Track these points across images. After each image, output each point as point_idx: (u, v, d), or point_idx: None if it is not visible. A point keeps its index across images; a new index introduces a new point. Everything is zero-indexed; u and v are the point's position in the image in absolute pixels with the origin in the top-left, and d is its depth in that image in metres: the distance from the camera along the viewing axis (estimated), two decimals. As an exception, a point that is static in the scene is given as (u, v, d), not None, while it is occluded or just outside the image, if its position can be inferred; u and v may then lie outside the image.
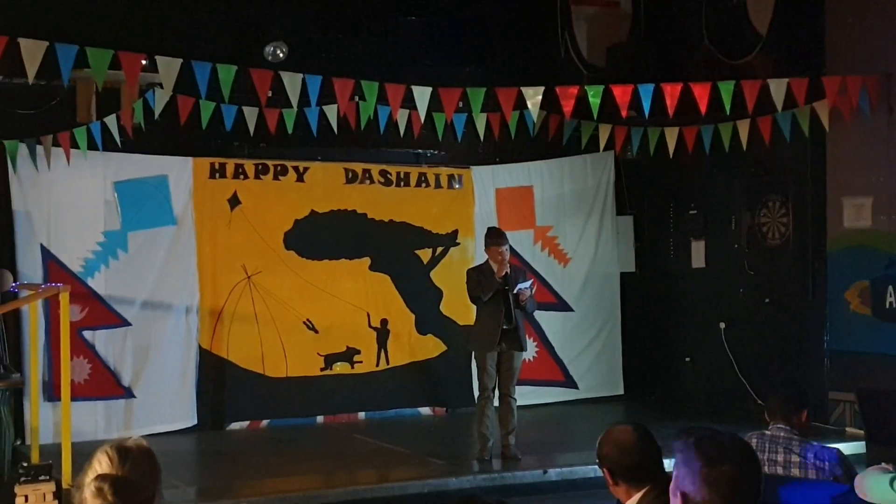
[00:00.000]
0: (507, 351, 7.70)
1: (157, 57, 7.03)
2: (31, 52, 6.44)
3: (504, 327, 7.64)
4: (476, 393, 9.46)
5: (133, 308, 8.96)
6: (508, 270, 7.68)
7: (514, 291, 7.63)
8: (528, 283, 7.79)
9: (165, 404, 9.05)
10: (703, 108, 8.41)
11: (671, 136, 9.35)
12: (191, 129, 8.45)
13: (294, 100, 7.84)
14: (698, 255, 10.46)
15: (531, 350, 10.04)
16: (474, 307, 8.03)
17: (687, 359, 10.55)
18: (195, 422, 9.19)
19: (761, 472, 2.41)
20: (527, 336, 8.11)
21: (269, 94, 8.10)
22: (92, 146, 8.37)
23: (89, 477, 2.61)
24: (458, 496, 1.91)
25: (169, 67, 7.04)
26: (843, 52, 8.71)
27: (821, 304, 9.00)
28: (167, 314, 9.11)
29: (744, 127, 8.88)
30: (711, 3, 9.81)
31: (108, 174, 8.89)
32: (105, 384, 8.79)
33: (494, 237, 7.87)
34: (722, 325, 10.00)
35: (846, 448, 4.81)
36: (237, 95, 8.06)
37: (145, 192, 9.02)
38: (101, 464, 2.64)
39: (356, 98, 8.41)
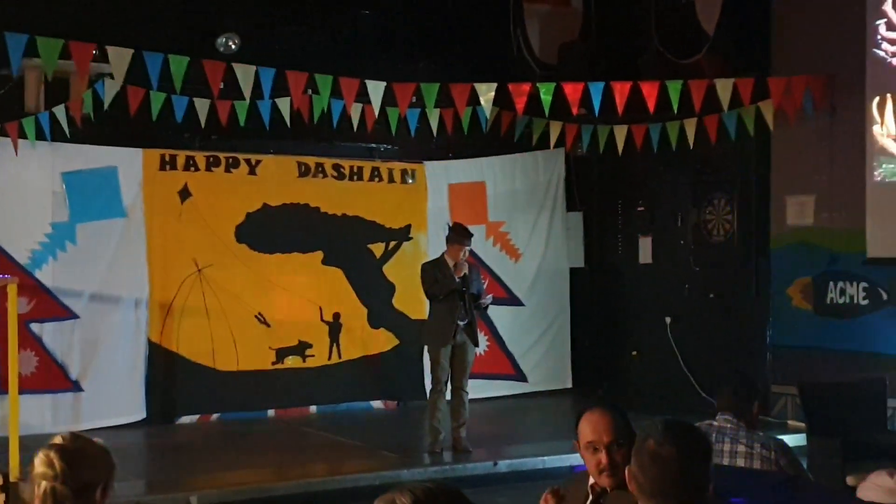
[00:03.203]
0: (461, 345, 7.77)
1: (108, 47, 6.96)
2: (-21, 41, 6.35)
3: (459, 323, 7.71)
4: (427, 386, 9.56)
5: (81, 301, 8.87)
6: (467, 271, 7.75)
7: (482, 302, 7.79)
8: (490, 298, 7.99)
9: (114, 398, 8.97)
10: (651, 106, 8.56)
11: (620, 133, 9.49)
12: (141, 120, 8.38)
13: (247, 92, 7.83)
14: (645, 251, 10.63)
15: (482, 344, 10.12)
16: (427, 301, 8.09)
17: (634, 353, 10.71)
18: (144, 415, 9.13)
19: (710, 455, 2.53)
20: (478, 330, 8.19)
21: (222, 86, 8.06)
22: (40, 136, 8.27)
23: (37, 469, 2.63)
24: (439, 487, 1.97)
25: (120, 58, 6.98)
26: (789, 53, 8.91)
27: (764, 300, 9.21)
28: (116, 307, 9.03)
29: (691, 126, 9.04)
30: (661, 4, 9.95)
31: (56, 165, 8.78)
32: (52, 377, 8.69)
33: (460, 235, 7.90)
34: (668, 320, 10.18)
35: (788, 440, 4.94)
36: (188, 87, 8.00)
37: (94, 184, 8.92)
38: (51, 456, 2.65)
39: (309, 91, 8.41)
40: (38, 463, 2.61)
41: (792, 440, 6.43)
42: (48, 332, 8.73)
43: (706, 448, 2.58)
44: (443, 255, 7.96)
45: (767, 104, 8.64)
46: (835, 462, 5.84)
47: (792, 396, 8.57)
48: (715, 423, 4.43)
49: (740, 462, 4.21)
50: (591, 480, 3.34)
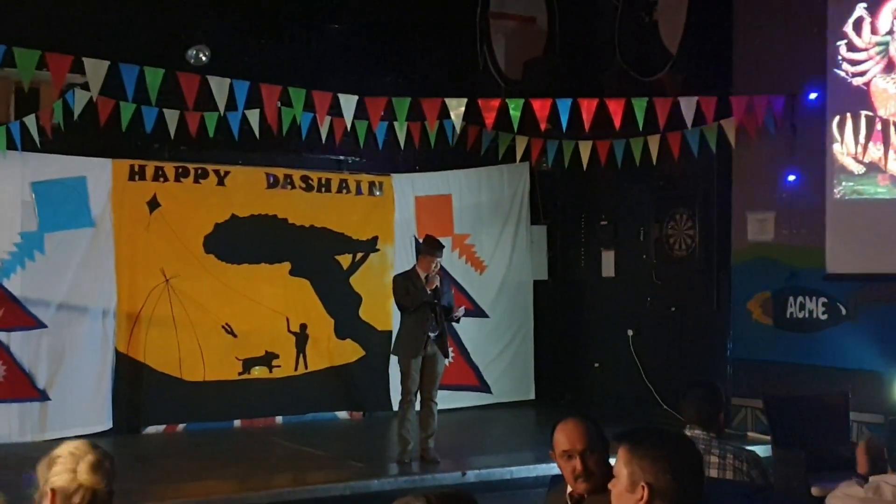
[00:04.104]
0: (431, 357, 7.86)
1: (85, 59, 6.97)
2: (-44, 50, 6.34)
3: (430, 334, 7.81)
4: (393, 397, 9.64)
5: (49, 310, 8.82)
6: (438, 284, 7.85)
7: (455, 315, 7.94)
8: (462, 311, 8.14)
9: (81, 407, 8.93)
10: (617, 123, 8.73)
11: (585, 149, 9.63)
12: (110, 130, 8.38)
13: (221, 104, 7.86)
14: (608, 264, 10.78)
15: (447, 355, 10.23)
16: (396, 313, 8.17)
17: (596, 365, 10.85)
18: (111, 425, 9.10)
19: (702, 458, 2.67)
20: (447, 342, 8.28)
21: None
22: (10, 146, 8.24)
23: (62, 467, 2.66)
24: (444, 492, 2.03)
25: (96, 69, 6.99)
26: (750, 73, 9.11)
27: (724, 314, 9.37)
28: (84, 317, 8.99)
29: (654, 142, 9.19)
30: (624, 22, 10.10)
31: (25, 174, 8.74)
32: (19, 386, 8.63)
33: (431, 247, 7.98)
34: (630, 333, 10.33)
35: (752, 451, 5.08)
36: (158, 98, 8.02)
37: (63, 194, 8.89)
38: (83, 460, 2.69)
39: (279, 104, 8.46)
40: (87, 470, 2.63)
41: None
42: (15, 340, 8.68)
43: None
44: (414, 267, 8.05)
45: (730, 122, 8.85)
46: (799, 473, 6.00)
47: (752, 409, 8.77)
48: (686, 434, 4.54)
49: (713, 473, 4.30)
50: (569, 489, 3.47)
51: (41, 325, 8.78)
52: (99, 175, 9.12)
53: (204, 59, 9.19)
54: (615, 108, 8.72)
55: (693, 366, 9.54)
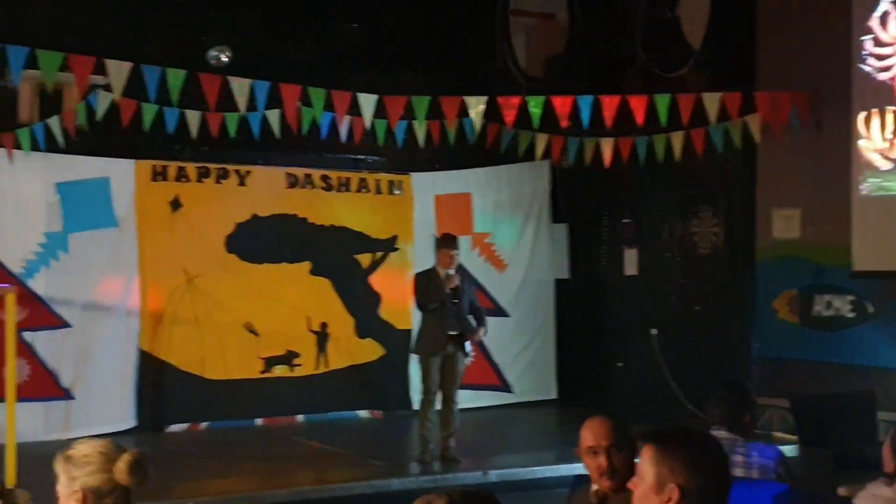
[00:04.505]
0: (451, 355, 7.84)
1: (107, 61, 7.00)
2: (-20, 53, 6.39)
3: (450, 333, 7.79)
4: (413, 396, 9.63)
5: (73, 309, 8.89)
6: (458, 282, 7.83)
7: (475, 337, 7.97)
8: (484, 332, 8.13)
9: (105, 406, 9.00)
10: (639, 120, 8.66)
11: (607, 146, 9.57)
12: (133, 131, 8.42)
13: (242, 105, 7.88)
14: (631, 263, 10.71)
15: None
16: (416, 312, 8.16)
17: (619, 364, 10.79)
18: (135, 423, 9.17)
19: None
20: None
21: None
22: (35, 147, 8.30)
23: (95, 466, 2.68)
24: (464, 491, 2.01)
25: (119, 71, 7.02)
26: (774, 69, 9.03)
27: (749, 312, 9.30)
28: (108, 316, 9.06)
29: (677, 139, 9.12)
30: (646, 18, 10.06)
31: (50, 175, 8.82)
32: (44, 385, 8.70)
33: (447, 242, 8.02)
34: (653, 332, 10.25)
35: (778, 451, 5.02)
36: (181, 99, 8.05)
37: (87, 194, 8.96)
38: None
39: (299, 104, 8.47)
40: (127, 469, 2.66)
41: (780, 451, 6.55)
42: (40, 340, 8.74)
43: None
44: (435, 265, 8.04)
45: (754, 118, 8.77)
46: (826, 473, 5.94)
47: (777, 409, 8.67)
48: (712, 434, 4.49)
49: (738, 472, 4.27)
50: (594, 486, 3.46)
51: (65, 325, 8.86)
52: (122, 176, 9.18)
53: (225, 59, 9.20)
54: (637, 104, 8.66)
55: (718, 365, 9.46)
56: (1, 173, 8.49)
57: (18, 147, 8.27)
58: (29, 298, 8.60)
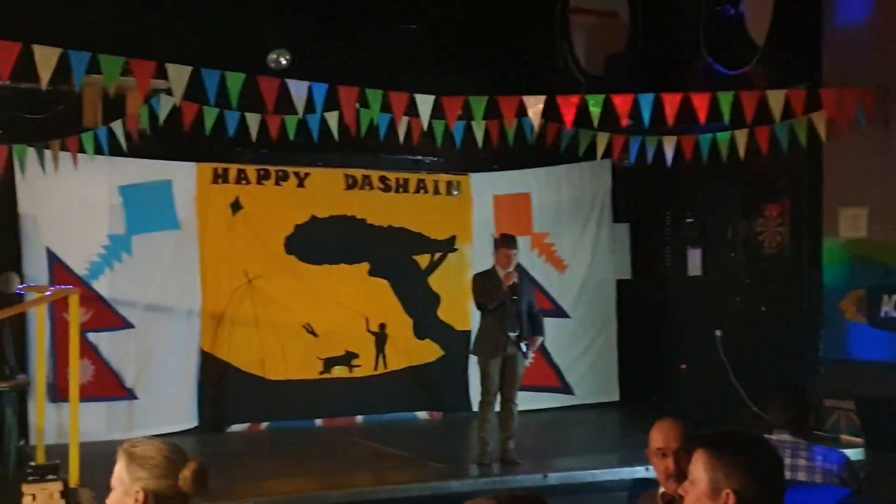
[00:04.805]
0: (511, 357, 7.79)
1: (168, 65, 7.09)
2: (45, 58, 6.49)
3: (510, 334, 7.74)
4: (472, 398, 9.60)
5: (136, 310, 9.05)
6: (516, 280, 7.78)
7: (528, 352, 7.86)
8: (540, 342, 8.09)
9: (167, 406, 9.13)
10: (702, 118, 8.51)
11: (669, 144, 9.42)
12: (194, 134, 8.50)
13: (300, 107, 7.91)
14: (694, 263, 10.57)
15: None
16: (475, 312, 8.12)
17: (682, 366, 10.64)
18: (196, 423, 9.28)
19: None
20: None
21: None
22: (98, 151, 8.43)
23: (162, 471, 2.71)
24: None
25: (179, 75, 7.10)
26: (840, 65, 8.82)
27: (816, 313, 9.10)
28: (170, 317, 9.20)
29: (741, 137, 8.96)
30: (709, 14, 9.91)
31: (113, 178, 8.99)
32: (108, 386, 8.87)
33: (505, 241, 8.01)
34: (718, 333, 10.10)
35: (845, 454, 4.89)
36: (240, 102, 8.11)
37: (150, 197, 9.12)
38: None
39: (357, 105, 8.48)
40: (192, 478, 2.70)
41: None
42: (104, 341, 8.92)
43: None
44: (494, 266, 7.99)
45: (820, 115, 8.56)
46: (893, 477, 5.77)
47: (845, 411, 8.47)
48: (773, 438, 4.40)
49: (801, 476, 4.19)
50: (661, 489, 3.43)
51: (129, 326, 9.01)
52: (184, 178, 9.32)
53: (284, 62, 9.27)
54: (700, 102, 8.50)
55: (783, 367, 9.28)
56: (66, 177, 8.66)
57: (83, 151, 8.41)
58: (93, 300, 8.78)
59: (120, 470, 2.74)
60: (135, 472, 2.71)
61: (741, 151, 9.02)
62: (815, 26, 9.03)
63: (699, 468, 2.53)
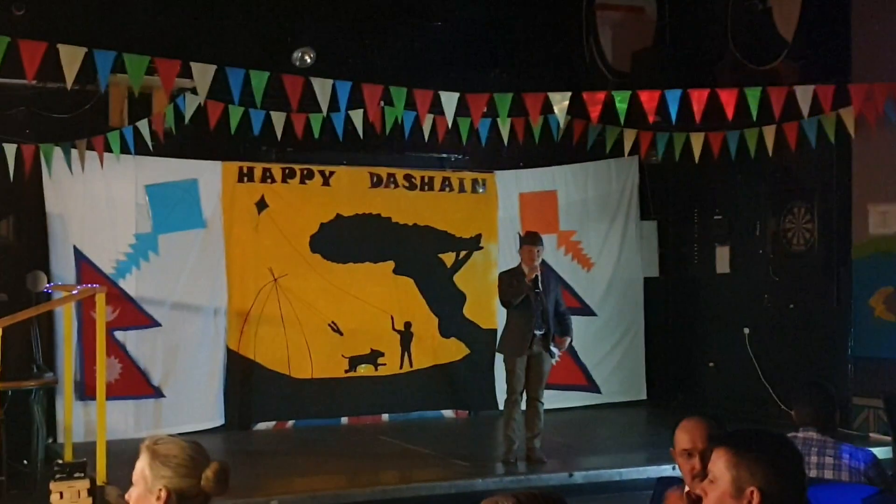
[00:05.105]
0: (537, 355, 7.76)
1: (192, 63, 7.12)
2: (70, 57, 6.54)
3: (536, 333, 7.70)
4: (498, 396, 9.57)
5: (163, 309, 9.09)
6: (539, 274, 7.74)
7: (554, 351, 7.85)
8: (566, 345, 8.04)
9: (194, 404, 9.17)
10: (730, 114, 8.42)
11: (697, 141, 9.35)
12: (220, 133, 8.54)
13: (324, 105, 7.92)
14: (723, 260, 10.48)
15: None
16: (500, 311, 8.09)
17: (711, 364, 10.57)
18: (223, 422, 9.31)
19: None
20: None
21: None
22: (124, 150, 8.49)
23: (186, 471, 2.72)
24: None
25: (204, 74, 7.13)
26: (869, 60, 8.72)
27: (845, 310, 9.01)
28: (196, 315, 9.23)
29: (769, 133, 8.89)
30: (737, 10, 9.84)
31: (139, 178, 9.03)
32: (135, 384, 8.91)
33: (530, 238, 7.97)
34: (746, 331, 10.03)
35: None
36: (265, 100, 8.14)
37: (176, 196, 9.15)
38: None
39: (382, 103, 8.48)
40: (215, 478, 2.75)
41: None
42: (131, 339, 8.96)
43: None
44: (519, 264, 7.96)
45: (848, 111, 8.46)
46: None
47: (874, 409, 8.38)
48: (800, 436, 4.36)
49: (828, 474, 4.15)
50: (686, 488, 3.41)
51: (156, 324, 9.05)
52: (210, 177, 9.34)
53: (309, 60, 9.27)
54: (728, 98, 8.42)
55: (812, 365, 9.20)
56: (92, 177, 8.73)
57: (109, 151, 8.47)
58: (120, 298, 8.83)
59: (143, 466, 2.75)
60: (158, 469, 2.73)
61: (769, 148, 8.95)
62: (843, 21, 8.94)
63: (720, 466, 2.51)
